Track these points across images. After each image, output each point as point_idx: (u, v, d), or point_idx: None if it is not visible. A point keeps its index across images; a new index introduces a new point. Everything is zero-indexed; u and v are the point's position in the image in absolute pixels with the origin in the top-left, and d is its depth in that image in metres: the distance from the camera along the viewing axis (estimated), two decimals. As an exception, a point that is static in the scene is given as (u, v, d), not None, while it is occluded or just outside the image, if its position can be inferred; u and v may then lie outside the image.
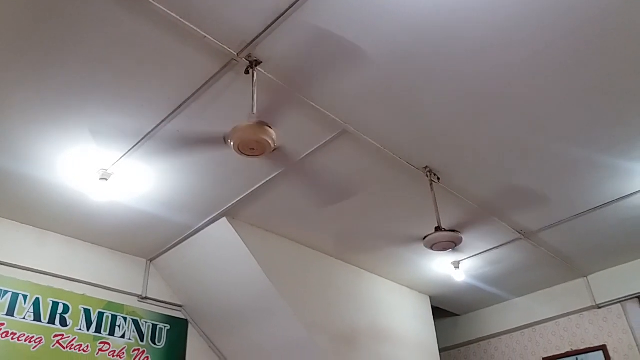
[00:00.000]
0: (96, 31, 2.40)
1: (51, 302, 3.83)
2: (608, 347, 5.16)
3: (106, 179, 3.32)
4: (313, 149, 3.28)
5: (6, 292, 3.63)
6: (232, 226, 3.94)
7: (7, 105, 2.79)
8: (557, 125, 3.21)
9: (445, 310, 6.24)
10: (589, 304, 5.37)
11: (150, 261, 4.56)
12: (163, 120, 2.96)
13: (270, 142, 2.50)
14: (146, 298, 4.40)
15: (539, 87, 2.90)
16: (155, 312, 4.44)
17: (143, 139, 3.08)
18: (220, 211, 3.86)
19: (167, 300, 4.56)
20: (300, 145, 3.25)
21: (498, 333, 6.03)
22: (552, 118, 3.14)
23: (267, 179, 3.53)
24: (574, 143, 3.38)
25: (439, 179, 3.62)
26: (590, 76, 2.85)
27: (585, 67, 2.78)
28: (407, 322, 5.29)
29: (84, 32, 2.40)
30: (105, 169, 3.29)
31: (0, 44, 2.43)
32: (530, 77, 2.82)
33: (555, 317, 5.61)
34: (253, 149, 2.53)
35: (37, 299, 3.77)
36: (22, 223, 3.87)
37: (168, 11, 2.30)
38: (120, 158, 3.22)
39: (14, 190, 3.48)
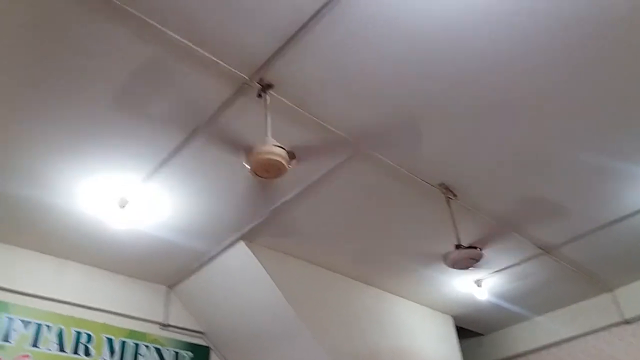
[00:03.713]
0: (111, 60, 2.47)
1: (74, 332, 3.86)
2: (640, 364, 5.00)
3: (124, 207, 3.36)
4: (328, 169, 3.30)
5: (29, 322, 3.67)
6: (250, 250, 3.95)
7: (25, 137, 2.87)
8: (574, 135, 3.17)
9: (469, 330, 6.13)
10: (617, 320, 5.22)
11: (170, 288, 4.57)
12: (179, 147, 3.01)
13: (285, 164, 2.51)
14: (168, 325, 4.40)
15: (555, 97, 2.88)
16: (177, 340, 4.44)
17: (160, 165, 3.13)
18: (238, 235, 3.88)
19: (189, 327, 4.56)
20: (315, 166, 3.27)
21: (525, 352, 5.88)
22: (569, 128, 3.11)
23: (283, 201, 3.55)
24: (592, 153, 3.33)
25: (455, 195, 3.61)
26: (607, 84, 2.81)
27: (601, 75, 2.76)
28: (430, 343, 5.19)
29: (99, 61, 2.47)
30: (124, 196, 3.34)
31: (15, 76, 2.51)
32: (546, 87, 2.81)
33: (582, 334, 5.45)
34: (268, 171, 2.55)
35: (61, 329, 3.80)
36: (42, 253, 3.92)
37: (180, 38, 2.37)
38: (138, 185, 3.28)
39: (35, 220, 3.54)
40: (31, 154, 2.99)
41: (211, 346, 4.63)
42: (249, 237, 3.94)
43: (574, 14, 2.41)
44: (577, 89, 2.84)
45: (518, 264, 4.64)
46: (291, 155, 2.54)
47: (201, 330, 4.62)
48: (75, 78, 2.55)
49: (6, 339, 3.52)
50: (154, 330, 4.33)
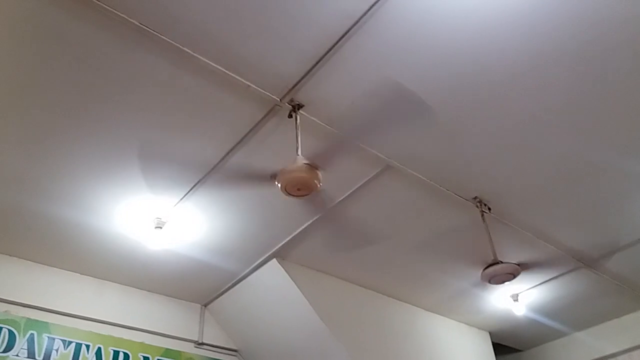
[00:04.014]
0: (147, 87, 2.53)
1: (112, 351, 3.92)
2: (689, 380, 4.79)
3: (161, 227, 3.42)
4: (359, 185, 3.29)
5: (70, 342, 3.75)
6: (283, 267, 3.96)
7: (68, 161, 2.96)
8: (613, 144, 3.09)
9: (507, 346, 5.98)
10: (664, 334, 5.03)
11: (205, 306, 4.61)
12: (212, 168, 3.06)
13: (316, 181, 2.53)
14: (202, 344, 4.43)
15: (589, 107, 2.82)
16: (211, 358, 4.46)
17: (194, 187, 3.18)
18: (270, 253, 3.90)
19: (223, 345, 4.58)
20: (347, 182, 3.27)
21: (566, 369, 5.71)
22: (606, 138, 3.03)
23: (315, 218, 3.55)
24: (633, 161, 3.22)
25: (490, 209, 3.55)
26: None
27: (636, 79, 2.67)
28: (467, 360, 5.09)
29: (135, 88, 2.54)
30: (160, 217, 3.40)
31: (58, 105, 2.60)
32: (582, 95, 2.74)
33: (627, 349, 5.25)
34: (300, 189, 2.57)
35: (99, 348, 3.86)
36: (81, 274, 4.01)
37: (213, 64, 2.42)
38: (173, 207, 3.33)
39: (74, 242, 3.63)
40: (71, 178, 3.08)
41: (245, 364, 4.65)
42: (281, 255, 3.95)
43: (608, 18, 2.36)
44: (615, 97, 2.77)
45: (556, 277, 4.52)
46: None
47: (235, 348, 4.63)
48: (110, 106, 2.62)
49: (48, 358, 3.59)
50: (189, 349, 4.36)
